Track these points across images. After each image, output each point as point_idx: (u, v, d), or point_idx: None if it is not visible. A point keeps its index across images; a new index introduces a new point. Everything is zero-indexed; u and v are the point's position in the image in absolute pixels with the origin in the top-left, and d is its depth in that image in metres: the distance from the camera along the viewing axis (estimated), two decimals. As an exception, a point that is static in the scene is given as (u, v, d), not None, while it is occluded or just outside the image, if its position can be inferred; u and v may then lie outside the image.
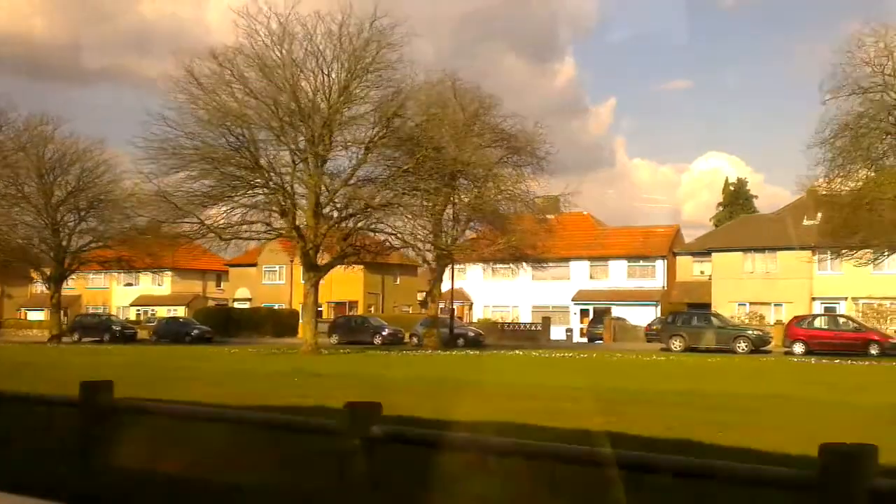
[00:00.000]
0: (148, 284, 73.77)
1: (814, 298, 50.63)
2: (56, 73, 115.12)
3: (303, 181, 27.76)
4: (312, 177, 27.80)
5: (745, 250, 51.82)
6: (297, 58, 27.16)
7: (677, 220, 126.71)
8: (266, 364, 24.29)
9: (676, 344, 39.27)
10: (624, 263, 57.09)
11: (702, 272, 55.41)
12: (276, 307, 65.84)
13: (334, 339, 46.91)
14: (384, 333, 46.06)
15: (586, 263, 58.16)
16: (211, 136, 25.96)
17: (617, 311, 54.91)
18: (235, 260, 66.26)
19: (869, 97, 24.68)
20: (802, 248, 43.74)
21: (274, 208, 27.27)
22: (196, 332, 50.67)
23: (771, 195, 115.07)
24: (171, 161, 25.93)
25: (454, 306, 47.52)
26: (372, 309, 65.25)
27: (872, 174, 25.63)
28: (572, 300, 57.26)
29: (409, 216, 30.54)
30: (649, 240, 57.47)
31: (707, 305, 52.89)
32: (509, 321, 56.03)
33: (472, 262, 50.64)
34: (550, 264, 58.94)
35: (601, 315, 53.62)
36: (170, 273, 72.83)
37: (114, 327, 52.52)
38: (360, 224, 28.74)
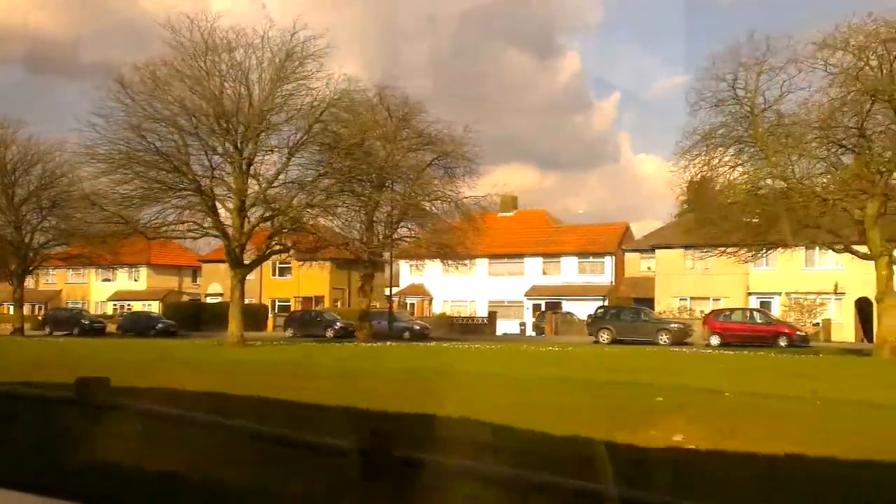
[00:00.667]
0: (125, 280, 76.08)
1: (749, 293, 52.83)
2: (52, 68, 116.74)
3: (228, 184, 29.99)
4: (237, 180, 30.01)
5: (686, 247, 53.95)
6: (220, 69, 29.35)
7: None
8: (185, 353, 26.60)
9: (604, 336, 41.50)
10: (575, 260, 59.26)
11: (648, 268, 57.62)
12: (246, 302, 68.10)
13: (289, 333, 49.29)
14: (336, 327, 48.23)
15: (539, 260, 60.34)
16: (138, 142, 28.11)
17: (567, 306, 57.16)
18: (208, 256, 68.49)
19: (727, 109, 26.81)
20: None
21: (198, 208, 29.44)
22: (160, 325, 52.91)
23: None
24: (102, 166, 28.17)
25: (392, 300, 49.80)
26: (338, 304, 67.51)
27: (729, 180, 27.73)
28: (525, 295, 59.45)
29: (332, 216, 32.78)
30: (599, 237, 59.61)
31: (652, 300, 55.22)
32: (466, 315, 58.22)
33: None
34: (505, 260, 61.63)
35: (551, 310, 55.88)
36: (145, 269, 75.42)
37: (83, 321, 54.69)
38: (285, 224, 30.88)
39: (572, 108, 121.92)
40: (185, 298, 74.08)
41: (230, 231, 30.23)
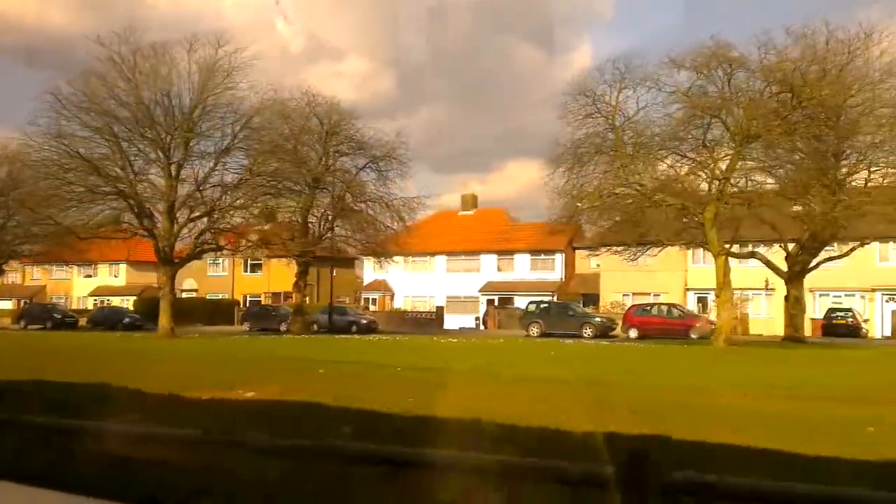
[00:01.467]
0: (106, 276, 78.85)
1: (687, 289, 55.15)
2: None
3: (157, 188, 32.56)
4: (166, 184, 32.58)
5: (629, 245, 56.17)
6: (150, 82, 31.90)
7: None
8: (112, 344, 29.20)
9: (534, 330, 43.92)
10: (527, 257, 61.65)
11: (597, 265, 59.90)
12: (219, 297, 71.03)
13: (246, 326, 51.95)
14: (288, 321, 50.87)
15: (494, 257, 62.75)
16: (66, 150, 30.67)
17: (519, 301, 59.53)
18: (181, 253, 71.29)
19: (593, 122, 29.20)
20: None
21: (126, 211, 32.04)
22: (128, 320, 55.61)
23: None
24: (38, 169, 30.76)
25: (333, 296, 52.42)
26: (307, 300, 70.06)
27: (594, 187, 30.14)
28: (480, 291, 61.88)
29: (255, 215, 35.31)
30: (551, 235, 61.90)
31: (599, 296, 57.62)
32: (416, 310, 60.72)
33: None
34: (462, 257, 64.08)
35: (502, 305, 58.36)
36: (124, 265, 78.20)
37: (55, 315, 57.51)
38: (214, 224, 33.46)
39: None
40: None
41: (160, 231, 32.76)
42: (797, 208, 28.77)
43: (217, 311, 64.16)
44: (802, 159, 27.81)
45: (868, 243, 33.48)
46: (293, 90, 39.55)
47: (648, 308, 43.85)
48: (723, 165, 27.67)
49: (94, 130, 31.07)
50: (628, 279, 56.57)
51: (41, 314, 57.80)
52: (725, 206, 27.65)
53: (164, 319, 33.50)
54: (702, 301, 53.49)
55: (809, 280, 51.47)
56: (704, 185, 28.50)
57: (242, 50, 33.39)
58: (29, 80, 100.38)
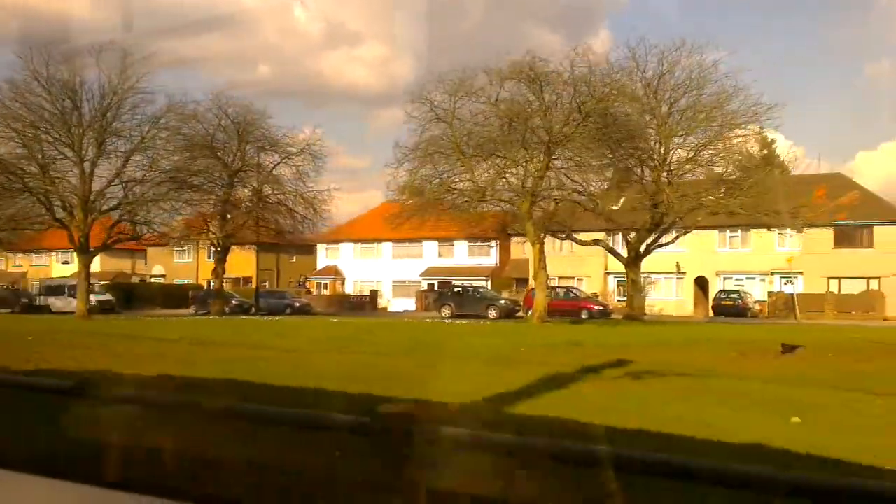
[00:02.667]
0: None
1: (607, 273, 58.48)
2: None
3: (72, 184, 36.32)
4: (81, 181, 36.31)
5: (554, 232, 59.60)
6: (61, 90, 35.57)
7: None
8: (33, 325, 33.03)
9: (445, 311, 47.51)
10: (465, 244, 65.09)
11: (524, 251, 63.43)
12: (185, 282, 75.03)
13: (192, 310, 55.86)
14: (232, 303, 54.70)
15: (436, 244, 66.22)
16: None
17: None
18: (151, 240, 75.28)
19: (435, 126, 32.62)
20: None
21: (44, 205, 35.86)
22: (92, 303, 59.65)
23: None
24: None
25: (257, 280, 56.06)
26: (266, 284, 73.94)
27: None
28: (421, 275, 65.44)
29: (167, 208, 39.05)
30: (488, 222, 65.32)
31: (528, 280, 61.09)
32: (352, 294, 64.59)
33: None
34: (406, 244, 67.61)
35: (440, 289, 61.91)
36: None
37: (23, 299, 61.67)
38: (124, 217, 37.21)
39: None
40: (135, 279, 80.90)
41: (77, 223, 36.52)
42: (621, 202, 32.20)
43: (174, 295, 67.98)
44: (611, 161, 31.23)
45: (689, 231, 36.97)
46: (207, 94, 42.88)
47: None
48: (535, 163, 31.11)
49: (10, 133, 34.79)
50: (555, 263, 59.81)
51: (7, 299, 61.95)
52: (542, 202, 31.17)
53: (80, 302, 37.29)
54: (621, 284, 56.80)
55: (717, 264, 54.91)
56: (527, 183, 31.88)
57: (155, 54, 37.00)
58: None
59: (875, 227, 49.64)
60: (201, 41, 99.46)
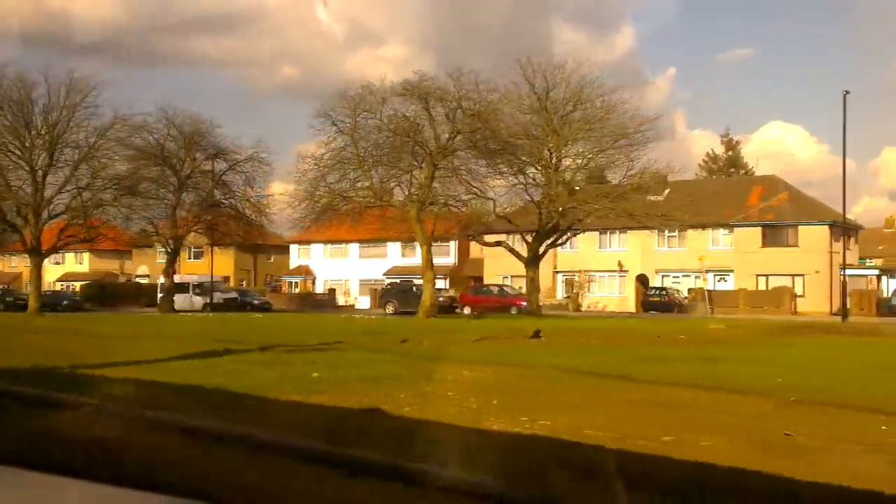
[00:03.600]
0: (72, 263, 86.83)
1: (556, 271, 61.13)
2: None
3: (26, 192, 39.61)
4: (33, 189, 39.59)
5: (508, 232, 62.42)
6: (12, 107, 38.87)
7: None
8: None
9: (389, 308, 50.44)
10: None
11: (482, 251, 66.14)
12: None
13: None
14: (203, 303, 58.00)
15: (399, 244, 69.15)
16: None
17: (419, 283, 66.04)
18: (138, 241, 78.84)
19: (339, 139, 35.60)
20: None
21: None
22: (66, 302, 63.24)
23: (831, 164, 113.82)
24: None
25: (215, 278, 59.43)
26: (244, 283, 77.25)
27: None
28: (384, 274, 68.41)
29: (112, 214, 42.23)
30: (448, 223, 68.22)
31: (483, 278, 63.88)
32: (312, 292, 67.91)
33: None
34: (372, 245, 70.63)
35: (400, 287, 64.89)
36: (87, 253, 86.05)
37: (7, 299, 65.31)
38: (73, 221, 40.50)
39: (625, 83, 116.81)
40: (122, 279, 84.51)
41: (30, 227, 39.82)
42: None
43: (148, 294, 71.18)
44: (494, 169, 34.21)
45: (582, 232, 39.77)
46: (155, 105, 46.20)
47: (481, 288, 50.12)
48: (418, 173, 34.10)
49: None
50: (506, 264, 62.49)
51: (-2, 297, 65.66)
52: (430, 207, 34.11)
53: (32, 301, 40.58)
54: (568, 282, 59.51)
55: (656, 263, 57.42)
56: (415, 190, 34.86)
57: (97, 73, 40.11)
58: None
59: (800, 227, 51.99)
60: (222, 42, 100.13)
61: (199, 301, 54.75)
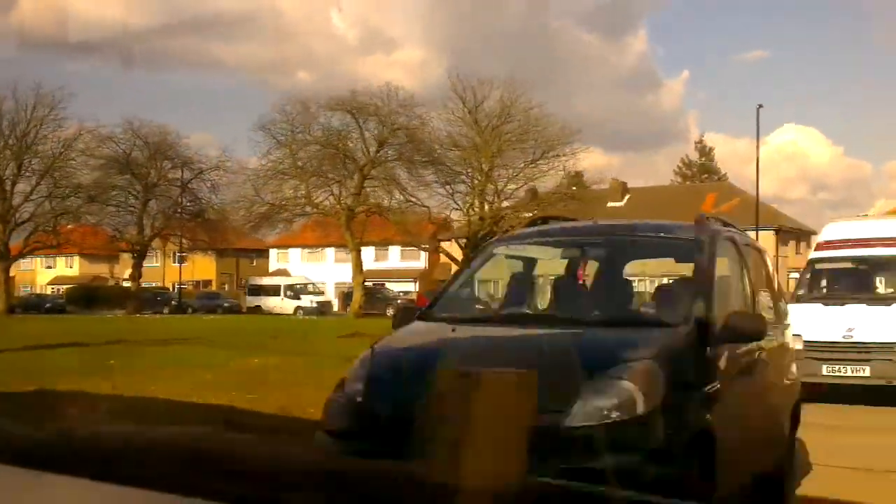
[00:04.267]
0: (63, 267, 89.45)
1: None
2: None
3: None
4: (1, 195, 41.91)
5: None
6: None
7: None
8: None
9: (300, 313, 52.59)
10: (399, 248, 70.08)
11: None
12: (152, 285, 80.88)
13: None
14: (172, 305, 60.26)
15: (373, 248, 71.22)
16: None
17: (391, 286, 68.11)
18: (124, 246, 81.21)
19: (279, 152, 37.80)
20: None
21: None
22: (48, 304, 65.62)
23: (847, 167, 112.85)
24: None
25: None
26: (226, 287, 79.50)
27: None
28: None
29: (76, 220, 44.43)
30: (421, 227, 70.31)
31: (453, 281, 65.88)
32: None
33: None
34: (347, 249, 72.67)
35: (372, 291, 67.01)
36: (77, 258, 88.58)
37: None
38: (38, 228, 42.81)
39: (640, 86, 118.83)
40: (112, 283, 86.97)
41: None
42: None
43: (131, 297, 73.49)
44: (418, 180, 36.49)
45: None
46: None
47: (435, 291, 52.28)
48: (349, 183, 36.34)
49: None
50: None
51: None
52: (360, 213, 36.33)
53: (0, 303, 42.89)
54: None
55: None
56: (346, 200, 37.09)
57: (62, 87, 42.47)
58: None
59: (748, 233, 53.66)
60: (240, 47, 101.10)
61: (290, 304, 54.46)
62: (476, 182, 37.56)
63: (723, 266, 5.53)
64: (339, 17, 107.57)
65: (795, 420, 6.56)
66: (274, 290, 58.26)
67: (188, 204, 49.57)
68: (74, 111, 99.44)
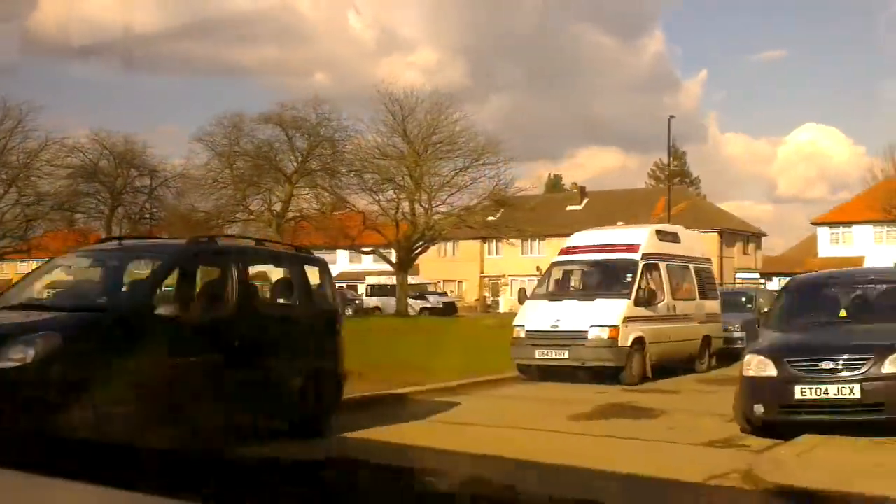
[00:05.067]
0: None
1: (483, 276, 65.45)
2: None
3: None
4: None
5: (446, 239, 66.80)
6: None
7: (771, 194, 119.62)
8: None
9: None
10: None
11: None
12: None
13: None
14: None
15: (347, 252, 73.82)
16: None
17: (362, 289, 70.61)
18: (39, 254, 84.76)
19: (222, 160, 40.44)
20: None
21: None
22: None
23: (869, 167, 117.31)
24: None
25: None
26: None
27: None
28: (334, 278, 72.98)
29: (44, 227, 47.20)
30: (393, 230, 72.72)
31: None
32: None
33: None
34: (323, 251, 74.91)
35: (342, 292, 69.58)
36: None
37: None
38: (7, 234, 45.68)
39: (657, 87, 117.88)
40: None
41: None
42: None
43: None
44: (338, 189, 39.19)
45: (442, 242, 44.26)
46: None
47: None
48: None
49: None
50: (441, 268, 66.91)
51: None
52: (287, 221, 38.97)
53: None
54: (494, 286, 63.69)
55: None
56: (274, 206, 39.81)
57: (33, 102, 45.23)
58: None
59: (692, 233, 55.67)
60: (258, 51, 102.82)
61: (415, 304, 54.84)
62: (407, 189, 39.96)
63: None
64: (356, 19, 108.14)
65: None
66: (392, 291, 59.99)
67: (154, 210, 52.15)
68: (103, 114, 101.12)
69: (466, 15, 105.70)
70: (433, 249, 67.76)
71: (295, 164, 38.08)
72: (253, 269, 9.83)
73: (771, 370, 8.36)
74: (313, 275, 9.40)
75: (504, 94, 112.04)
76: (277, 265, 9.86)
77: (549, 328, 14.15)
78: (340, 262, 73.96)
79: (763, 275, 58.89)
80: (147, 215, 52.36)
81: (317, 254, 43.73)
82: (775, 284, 54.96)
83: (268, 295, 10.22)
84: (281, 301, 9.38)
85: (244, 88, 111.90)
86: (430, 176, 40.46)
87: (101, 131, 49.78)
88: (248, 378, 7.75)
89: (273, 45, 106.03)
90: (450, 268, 65.93)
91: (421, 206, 40.00)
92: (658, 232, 16.26)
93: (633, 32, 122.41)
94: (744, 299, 21.30)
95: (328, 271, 10.07)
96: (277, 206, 40.45)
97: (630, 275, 14.54)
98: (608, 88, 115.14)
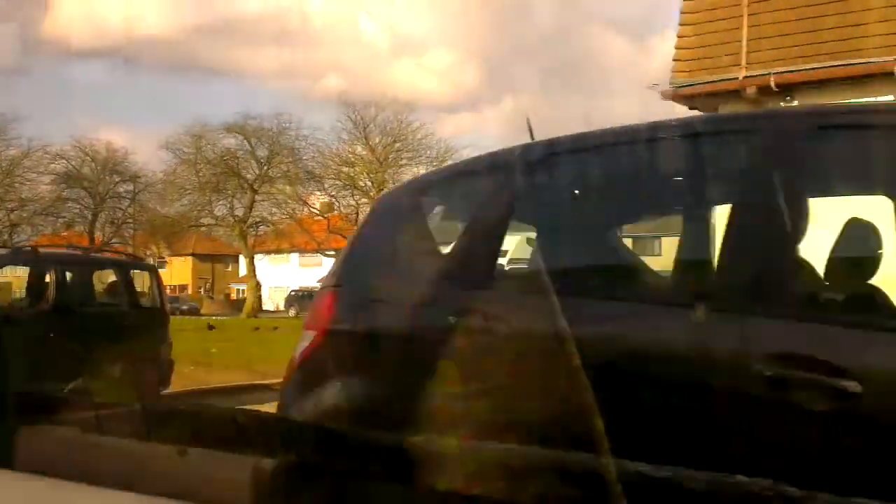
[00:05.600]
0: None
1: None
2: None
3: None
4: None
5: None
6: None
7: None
8: None
9: (292, 311, 56.74)
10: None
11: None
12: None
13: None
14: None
15: (332, 255, 75.49)
16: None
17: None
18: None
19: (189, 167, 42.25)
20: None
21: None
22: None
23: None
24: None
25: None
26: (202, 291, 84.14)
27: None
28: (318, 282, 74.53)
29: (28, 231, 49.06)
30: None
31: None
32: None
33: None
34: (308, 254, 76.96)
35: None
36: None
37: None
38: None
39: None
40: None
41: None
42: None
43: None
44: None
45: None
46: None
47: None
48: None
49: None
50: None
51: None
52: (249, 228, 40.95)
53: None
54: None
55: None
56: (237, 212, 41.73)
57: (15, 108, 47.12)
58: None
59: (663, 239, 57.00)
60: (268, 53, 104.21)
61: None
62: (370, 195, 41.68)
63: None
64: (368, 22, 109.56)
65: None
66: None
67: (137, 214, 53.94)
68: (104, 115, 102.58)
69: (479, 16, 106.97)
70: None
71: (257, 171, 39.93)
72: (71, 274, 10.90)
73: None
74: (144, 279, 10.94)
75: (516, 96, 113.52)
76: (101, 270, 11.44)
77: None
78: (326, 264, 75.45)
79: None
80: (129, 220, 54.20)
81: (274, 258, 45.65)
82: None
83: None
84: (106, 300, 10.92)
85: (254, 90, 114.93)
86: (392, 182, 42.15)
87: (84, 138, 51.65)
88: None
89: (285, 48, 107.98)
90: (429, 270, 67.36)
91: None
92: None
93: (647, 33, 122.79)
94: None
95: (158, 276, 11.58)
96: (240, 212, 42.28)
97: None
98: (618, 89, 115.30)
